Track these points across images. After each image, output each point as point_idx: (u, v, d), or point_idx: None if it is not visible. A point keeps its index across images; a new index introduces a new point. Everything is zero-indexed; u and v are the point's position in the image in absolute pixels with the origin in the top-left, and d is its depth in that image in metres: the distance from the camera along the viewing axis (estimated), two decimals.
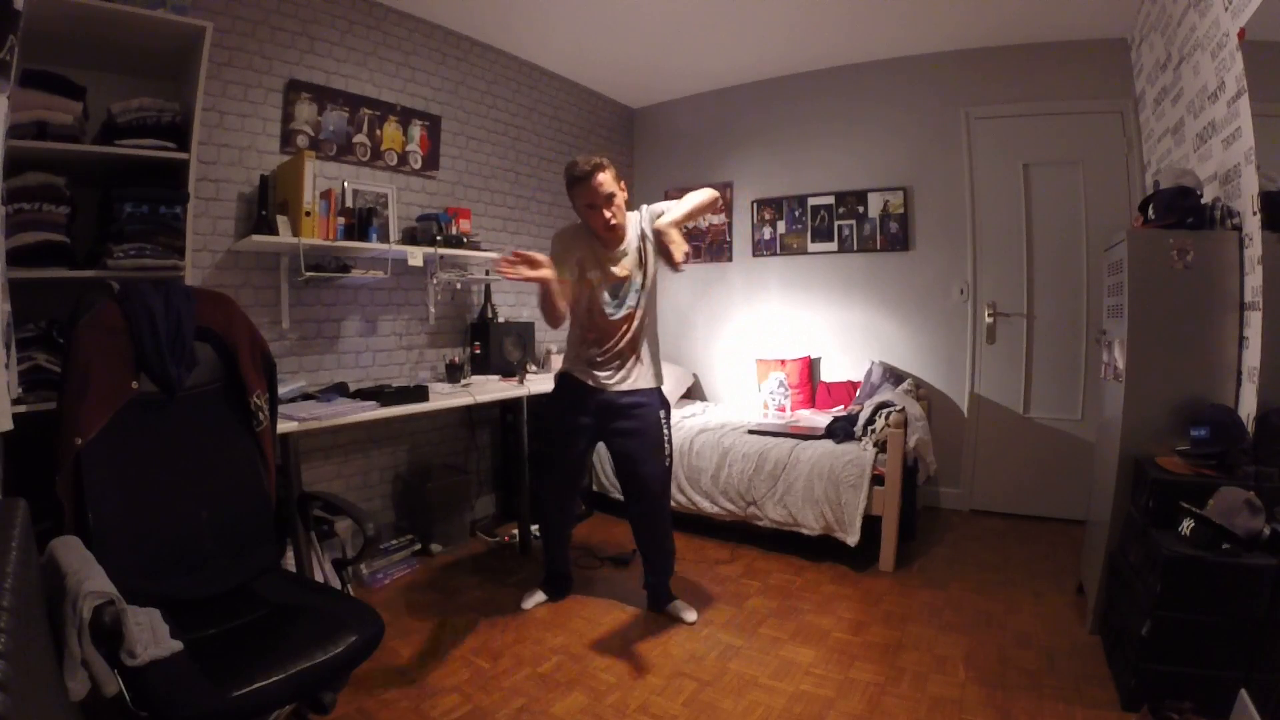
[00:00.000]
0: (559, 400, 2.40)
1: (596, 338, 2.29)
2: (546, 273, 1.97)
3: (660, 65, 3.99)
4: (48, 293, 1.81)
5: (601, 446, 2.47)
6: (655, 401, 2.36)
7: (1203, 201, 2.09)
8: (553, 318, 2.10)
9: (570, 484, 2.49)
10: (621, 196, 2.18)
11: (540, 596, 2.56)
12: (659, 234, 2.07)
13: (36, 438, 1.44)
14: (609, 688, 1.96)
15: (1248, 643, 1.60)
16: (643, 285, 2.26)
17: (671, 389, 4.12)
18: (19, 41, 1.32)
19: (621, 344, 2.28)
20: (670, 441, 2.40)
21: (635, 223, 2.26)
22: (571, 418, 2.36)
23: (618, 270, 2.22)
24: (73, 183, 1.93)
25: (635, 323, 2.27)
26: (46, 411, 1.53)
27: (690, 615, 2.40)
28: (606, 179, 2.10)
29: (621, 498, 3.36)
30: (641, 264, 2.24)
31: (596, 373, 2.31)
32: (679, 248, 2.02)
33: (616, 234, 2.19)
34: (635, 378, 2.31)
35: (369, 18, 3.04)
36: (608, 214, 2.12)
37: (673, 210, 2.16)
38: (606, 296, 2.23)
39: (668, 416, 2.40)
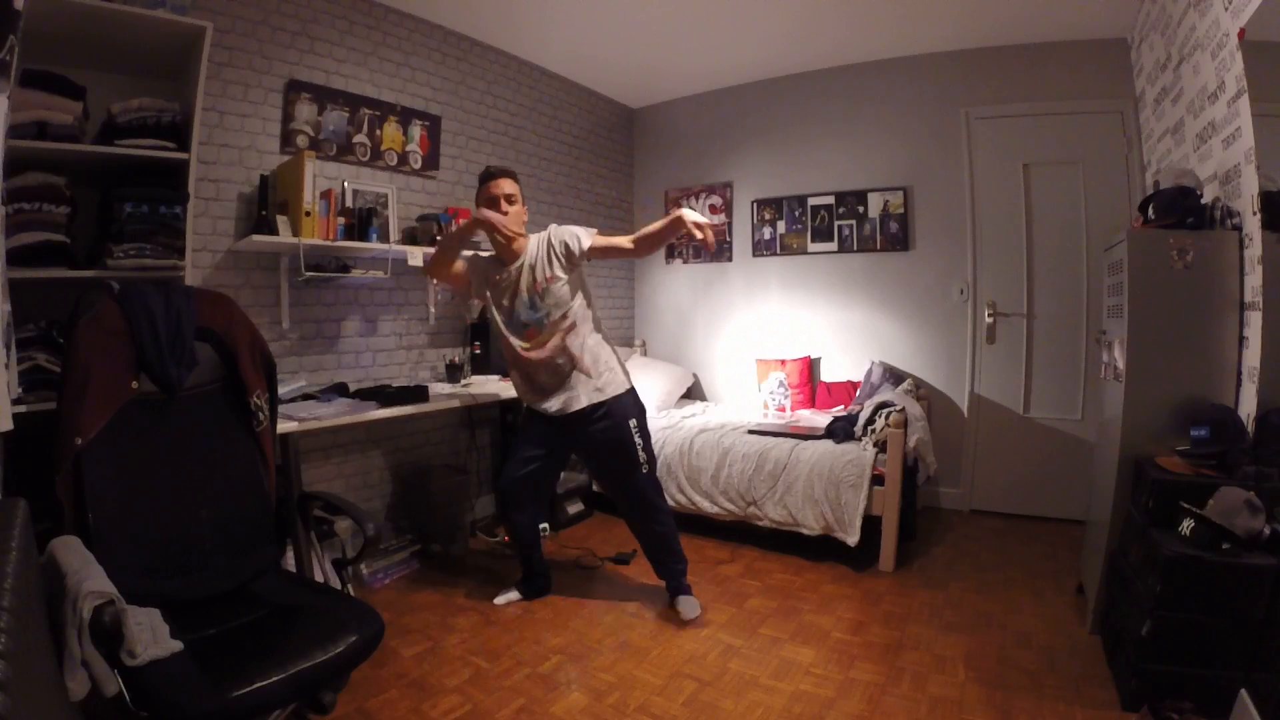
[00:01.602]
0: (522, 413, 2.52)
1: (514, 358, 2.33)
2: (498, 218, 2.20)
3: (660, 65, 3.99)
4: (48, 293, 1.81)
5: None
6: (621, 410, 2.34)
7: (1203, 201, 2.09)
8: (441, 264, 2.32)
9: (528, 490, 2.46)
10: (520, 207, 2.32)
11: (514, 595, 2.56)
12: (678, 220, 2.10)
13: (36, 438, 1.44)
14: (609, 688, 1.96)
15: (1248, 643, 1.60)
16: (544, 304, 2.26)
17: (671, 389, 4.12)
18: (19, 41, 1.32)
19: (546, 358, 2.28)
20: (646, 449, 2.38)
21: (534, 241, 2.32)
22: (529, 432, 2.46)
23: (517, 288, 2.28)
24: (73, 183, 1.93)
25: (556, 335, 2.27)
26: (46, 411, 1.53)
27: (690, 612, 2.40)
28: (508, 183, 2.31)
29: None
30: (536, 283, 2.26)
31: (539, 399, 2.35)
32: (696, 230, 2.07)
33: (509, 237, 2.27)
34: (582, 394, 2.30)
35: (369, 18, 3.04)
36: (505, 209, 2.26)
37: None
38: (516, 310, 2.29)
39: (640, 424, 2.38)
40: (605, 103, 4.54)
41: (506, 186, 2.28)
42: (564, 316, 2.27)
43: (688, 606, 2.43)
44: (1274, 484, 1.70)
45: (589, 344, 2.33)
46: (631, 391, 2.41)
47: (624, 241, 2.28)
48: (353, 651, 1.34)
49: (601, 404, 2.32)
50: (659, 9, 3.20)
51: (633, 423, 2.36)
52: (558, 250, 2.27)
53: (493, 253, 2.37)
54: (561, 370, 2.30)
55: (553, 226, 2.34)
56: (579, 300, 2.31)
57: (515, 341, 2.31)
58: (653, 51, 3.77)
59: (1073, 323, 3.41)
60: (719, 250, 4.44)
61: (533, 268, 2.27)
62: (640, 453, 2.36)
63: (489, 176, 2.31)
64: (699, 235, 2.06)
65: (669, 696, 1.92)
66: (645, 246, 2.26)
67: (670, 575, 2.50)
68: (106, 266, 1.91)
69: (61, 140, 1.85)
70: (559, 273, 2.26)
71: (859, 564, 2.85)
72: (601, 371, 2.34)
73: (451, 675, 2.03)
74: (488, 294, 2.36)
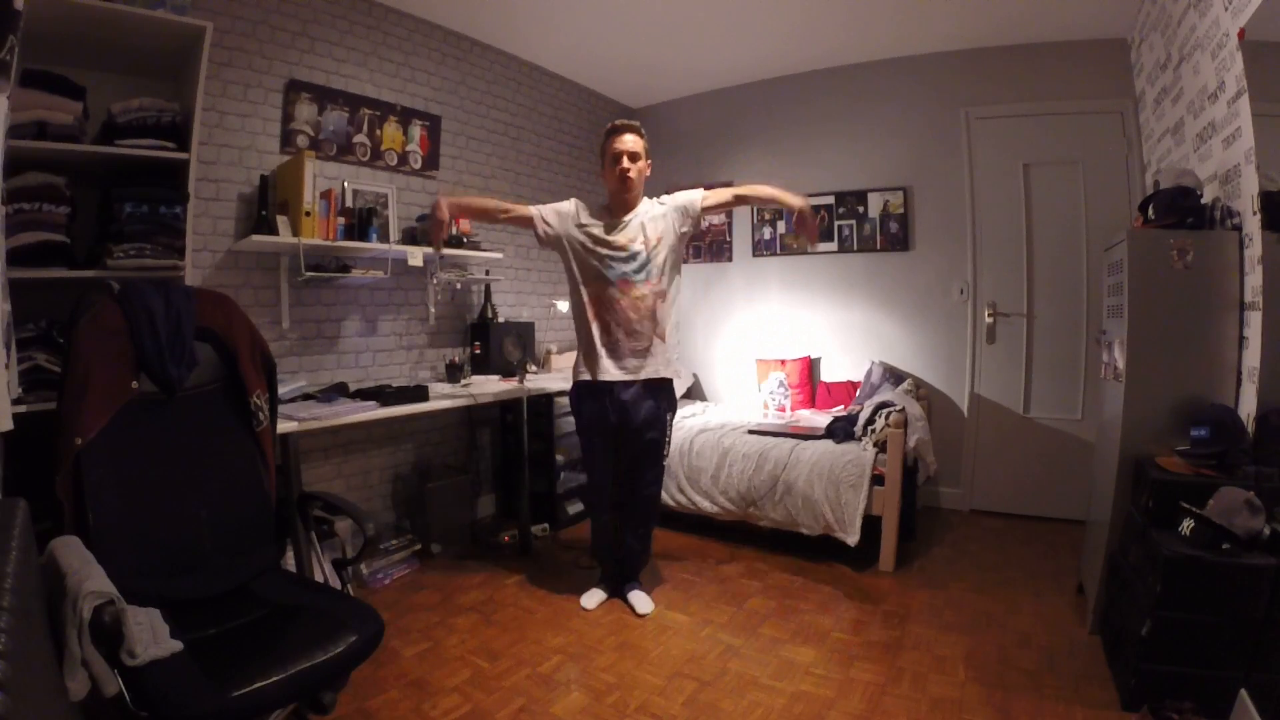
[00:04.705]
0: (584, 408, 2.43)
1: (600, 309, 2.33)
2: (442, 213, 2.28)
3: (660, 65, 3.99)
4: (48, 293, 1.81)
5: None
6: (668, 397, 2.44)
7: (1203, 201, 2.09)
8: (487, 216, 2.47)
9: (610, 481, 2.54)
10: (644, 163, 2.34)
11: (602, 594, 2.55)
12: (801, 215, 2.33)
13: (36, 438, 1.44)
14: (609, 688, 1.96)
15: (1248, 643, 1.60)
16: (649, 260, 2.32)
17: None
18: (19, 41, 1.32)
19: (631, 320, 2.31)
20: (670, 443, 2.50)
21: (650, 204, 2.39)
22: (594, 425, 2.43)
23: (620, 238, 2.32)
24: (73, 183, 1.92)
25: (647, 300, 2.32)
26: (46, 411, 1.53)
27: (645, 606, 2.45)
28: (633, 139, 2.31)
29: None
30: (647, 239, 2.33)
31: (607, 361, 2.34)
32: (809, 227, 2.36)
33: (628, 189, 2.32)
34: (652, 364, 2.36)
35: (369, 18, 3.04)
36: (626, 165, 2.28)
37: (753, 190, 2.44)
38: (613, 263, 2.31)
39: (673, 418, 2.49)
40: (605, 103, 4.54)
41: (630, 144, 2.29)
42: (660, 281, 2.34)
43: (642, 601, 2.47)
44: (1274, 484, 1.70)
45: (672, 320, 2.42)
46: (672, 385, 2.50)
47: (727, 194, 2.42)
48: (353, 651, 1.34)
49: (657, 380, 2.39)
50: (659, 9, 3.20)
51: (669, 416, 2.47)
52: (675, 206, 2.37)
53: (605, 202, 2.41)
54: (642, 334, 2.33)
55: (665, 196, 2.43)
56: (675, 278, 2.40)
57: (609, 290, 2.31)
58: (653, 51, 3.77)
59: (1073, 323, 3.41)
60: (719, 250, 4.44)
61: (643, 225, 2.32)
62: (666, 447, 2.49)
63: (613, 132, 2.31)
64: (807, 226, 2.33)
65: (669, 696, 1.92)
66: (746, 201, 2.51)
67: (634, 565, 2.54)
68: (106, 266, 1.91)
69: (61, 140, 1.85)
70: (676, 229, 2.36)
71: (859, 564, 2.85)
72: (671, 349, 2.42)
73: (451, 675, 2.03)
74: (580, 241, 2.33)
